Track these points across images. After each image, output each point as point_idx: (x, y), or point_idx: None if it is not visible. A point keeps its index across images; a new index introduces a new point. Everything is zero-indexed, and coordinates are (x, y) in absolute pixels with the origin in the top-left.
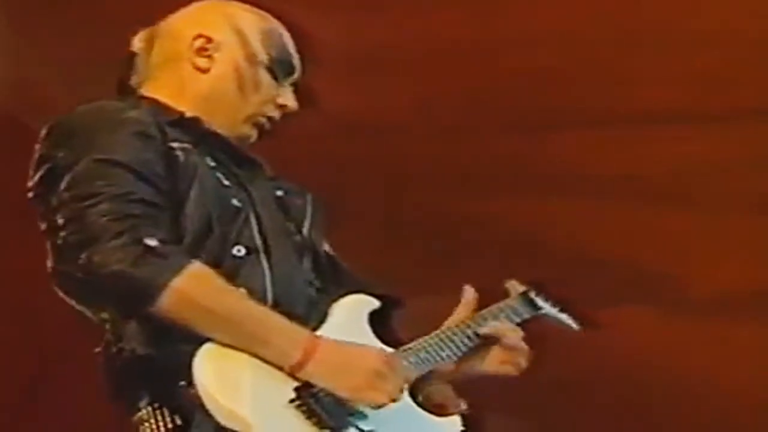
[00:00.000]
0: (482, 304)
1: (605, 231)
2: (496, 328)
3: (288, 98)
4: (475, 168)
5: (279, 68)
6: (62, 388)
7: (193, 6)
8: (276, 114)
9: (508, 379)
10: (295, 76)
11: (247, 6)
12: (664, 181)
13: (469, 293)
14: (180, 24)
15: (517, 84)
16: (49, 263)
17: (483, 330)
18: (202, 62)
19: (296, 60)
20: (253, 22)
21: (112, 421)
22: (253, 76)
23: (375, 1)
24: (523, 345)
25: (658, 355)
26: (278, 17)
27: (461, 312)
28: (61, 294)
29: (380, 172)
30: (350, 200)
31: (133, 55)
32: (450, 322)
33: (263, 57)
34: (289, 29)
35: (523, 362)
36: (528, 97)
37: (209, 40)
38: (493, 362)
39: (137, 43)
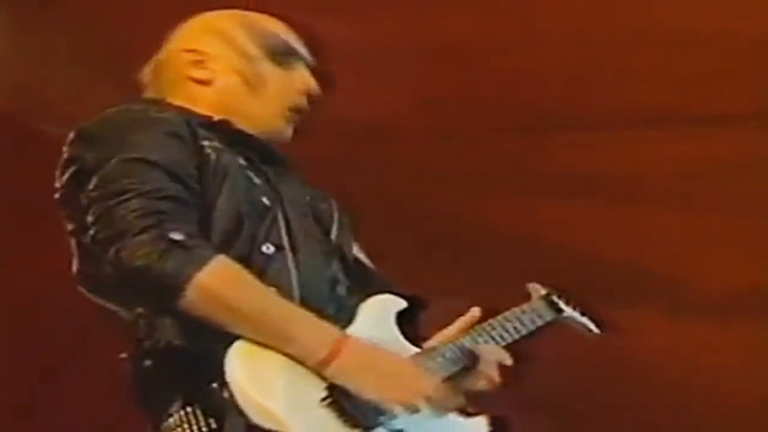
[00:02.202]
0: (483, 304)
1: (605, 231)
2: (479, 348)
3: (306, 80)
4: (475, 168)
5: (277, 53)
6: (63, 390)
7: (178, 28)
8: (302, 102)
9: (528, 381)
10: (302, 56)
11: (224, 11)
12: (664, 182)
13: (475, 311)
14: (170, 48)
15: (518, 84)
16: (75, 265)
17: (471, 346)
18: (202, 74)
19: (292, 39)
20: (232, 21)
21: (112, 422)
22: (255, 72)
23: (375, 1)
24: (494, 371)
25: (658, 356)
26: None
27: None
28: (87, 294)
29: (379, 174)
30: (349, 202)
31: (143, 88)
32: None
33: (256, 51)
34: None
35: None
36: (528, 98)
37: (200, 52)
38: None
39: (145, 77)
